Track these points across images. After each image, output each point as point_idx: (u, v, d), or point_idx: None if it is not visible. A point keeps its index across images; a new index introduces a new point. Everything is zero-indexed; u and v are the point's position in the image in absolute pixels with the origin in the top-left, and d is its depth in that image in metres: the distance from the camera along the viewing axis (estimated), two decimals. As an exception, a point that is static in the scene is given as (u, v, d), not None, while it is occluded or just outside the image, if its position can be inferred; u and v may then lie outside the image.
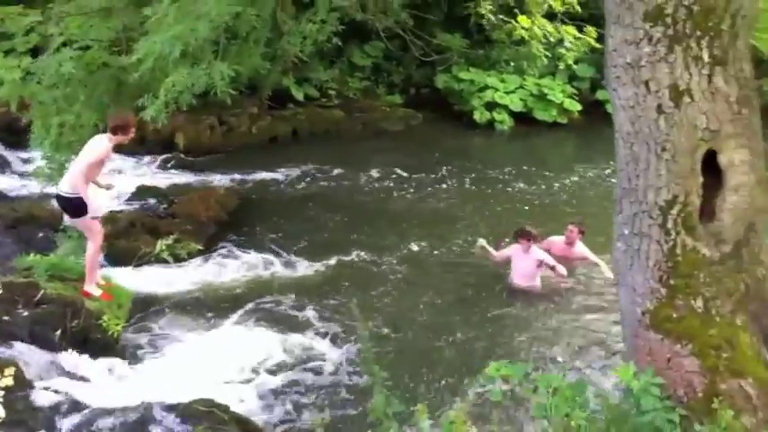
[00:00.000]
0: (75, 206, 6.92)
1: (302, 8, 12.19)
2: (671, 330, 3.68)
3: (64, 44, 8.03)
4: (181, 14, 7.23)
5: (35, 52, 13.16)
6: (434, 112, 17.24)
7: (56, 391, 5.91)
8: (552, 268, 8.33)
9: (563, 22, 14.18)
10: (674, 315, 3.69)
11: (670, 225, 3.67)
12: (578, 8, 14.28)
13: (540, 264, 8.36)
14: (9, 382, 3.10)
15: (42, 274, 7.16)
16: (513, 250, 8.60)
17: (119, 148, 7.49)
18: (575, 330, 7.66)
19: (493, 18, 14.93)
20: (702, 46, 3.51)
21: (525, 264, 8.42)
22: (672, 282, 3.69)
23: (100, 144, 6.91)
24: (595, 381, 6.18)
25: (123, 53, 8.48)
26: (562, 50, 14.58)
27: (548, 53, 14.52)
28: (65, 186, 6.97)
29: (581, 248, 9.01)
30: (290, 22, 10.40)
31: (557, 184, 12.83)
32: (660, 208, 3.68)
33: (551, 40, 14.41)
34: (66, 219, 7.62)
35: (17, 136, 11.98)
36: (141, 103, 7.32)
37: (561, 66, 15.20)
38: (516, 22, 14.53)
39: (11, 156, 12.65)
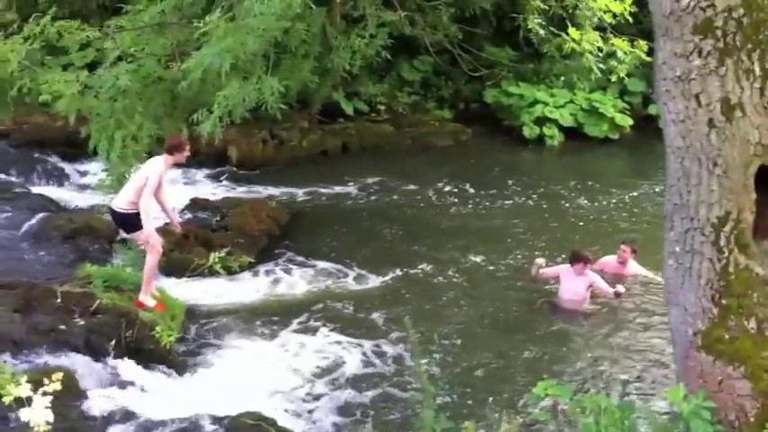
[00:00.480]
0: (128, 222, 7.11)
1: (352, 23, 12.35)
2: (723, 352, 3.60)
3: (120, 58, 8.26)
4: (231, 28, 7.37)
5: (92, 67, 13.64)
6: (484, 127, 17.18)
7: (109, 401, 6.05)
8: (602, 291, 8.29)
9: (614, 35, 14.00)
10: (727, 336, 3.60)
11: (723, 242, 3.60)
12: (629, 18, 14.09)
13: (590, 286, 8.27)
14: (57, 387, 3.19)
15: (99, 285, 7.36)
16: (563, 269, 8.50)
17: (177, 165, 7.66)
18: (624, 350, 7.52)
19: (542, 31, 14.81)
20: (754, 59, 3.45)
21: (576, 284, 8.32)
22: (724, 301, 3.61)
23: (154, 166, 7.10)
24: (644, 402, 6.05)
25: (178, 67, 8.70)
26: (614, 63, 14.38)
27: (600, 65, 14.35)
28: (119, 202, 7.18)
29: (634, 267, 8.91)
30: (339, 36, 10.53)
31: (609, 201, 12.64)
32: (712, 225, 3.61)
33: (601, 54, 14.22)
34: (122, 232, 7.81)
35: (75, 149, 12.39)
36: (196, 118, 7.48)
37: (613, 78, 14.99)
38: (567, 34, 14.39)
39: (69, 168, 13.04)
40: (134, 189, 7.06)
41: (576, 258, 8.29)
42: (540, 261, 8.79)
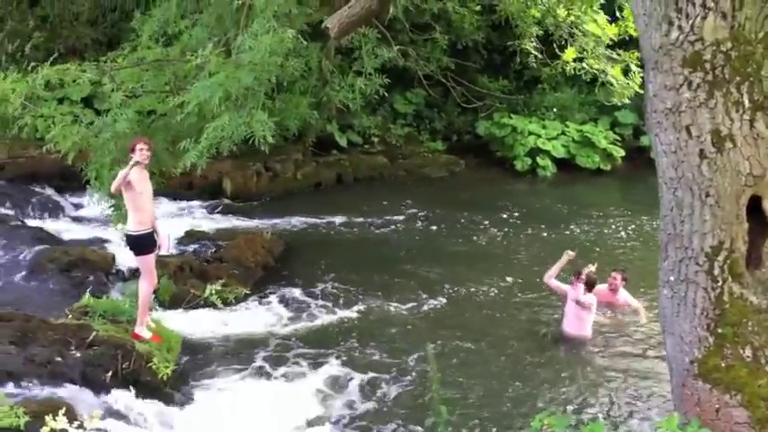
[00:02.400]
0: (135, 243, 7.19)
1: (346, 56, 12.50)
2: (719, 380, 3.63)
3: (121, 102, 8.31)
4: (223, 63, 7.45)
5: (87, 100, 13.73)
6: (477, 159, 17.33)
7: (105, 433, 6.02)
8: (581, 304, 8.20)
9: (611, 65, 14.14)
10: (723, 364, 3.64)
11: (717, 272, 3.65)
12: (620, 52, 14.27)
13: (580, 304, 8.20)
14: (63, 420, 3.22)
15: (95, 317, 7.36)
16: (568, 290, 8.45)
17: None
18: (622, 379, 7.53)
19: (538, 54, 14.83)
20: (743, 91, 3.53)
21: (571, 307, 8.31)
22: (720, 330, 3.65)
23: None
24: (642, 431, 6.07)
25: (175, 102, 8.77)
26: (610, 89, 14.48)
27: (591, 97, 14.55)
28: (128, 225, 7.26)
29: (625, 296, 8.96)
30: (334, 70, 10.66)
31: (601, 231, 12.73)
32: (706, 254, 3.66)
33: (599, 80, 14.32)
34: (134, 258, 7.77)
35: (70, 182, 12.42)
36: (182, 148, 7.51)
37: (610, 101, 15.02)
38: (563, 56, 14.43)
39: (64, 201, 13.06)
40: (133, 209, 7.12)
41: (577, 275, 8.27)
42: (571, 253, 8.62)
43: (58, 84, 8.67)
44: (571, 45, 13.94)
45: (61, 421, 3.26)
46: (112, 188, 7.08)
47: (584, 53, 13.91)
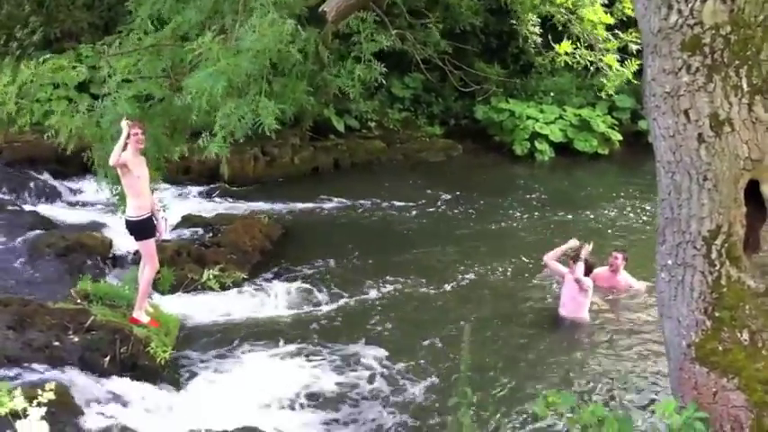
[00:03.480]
0: (136, 228, 7.17)
1: (343, 40, 12.44)
2: (717, 363, 3.63)
3: (117, 86, 8.27)
4: (223, 50, 7.41)
5: (82, 86, 13.66)
6: (474, 143, 17.31)
7: (104, 417, 6.04)
8: (580, 283, 8.21)
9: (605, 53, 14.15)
10: (720, 348, 3.64)
11: (714, 256, 3.65)
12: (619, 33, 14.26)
13: (581, 284, 8.20)
14: (51, 396, 3.22)
15: (92, 301, 7.36)
16: (566, 273, 8.47)
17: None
18: (622, 362, 7.57)
19: (538, 39, 14.83)
20: (741, 75, 3.51)
21: (569, 289, 8.31)
22: (717, 314, 3.65)
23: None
24: (642, 413, 6.10)
25: (173, 88, 8.71)
26: (602, 80, 14.54)
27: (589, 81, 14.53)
28: (128, 211, 7.23)
29: (625, 276, 8.97)
30: (331, 54, 10.58)
31: (599, 215, 12.75)
32: (704, 238, 3.66)
33: (591, 69, 14.35)
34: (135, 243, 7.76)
35: (66, 167, 12.41)
36: (201, 142, 7.51)
37: (603, 95, 15.15)
38: (557, 48, 14.49)
39: (60, 186, 13.04)
40: (132, 194, 7.09)
41: (572, 257, 8.28)
42: (578, 243, 8.58)
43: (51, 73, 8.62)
44: (567, 32, 13.91)
45: (18, 401, 3.27)
46: (111, 161, 6.99)
47: (579, 42, 13.88)
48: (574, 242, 8.50)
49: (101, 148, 8.23)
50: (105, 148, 8.10)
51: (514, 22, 14.89)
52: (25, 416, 3.16)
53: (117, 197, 8.81)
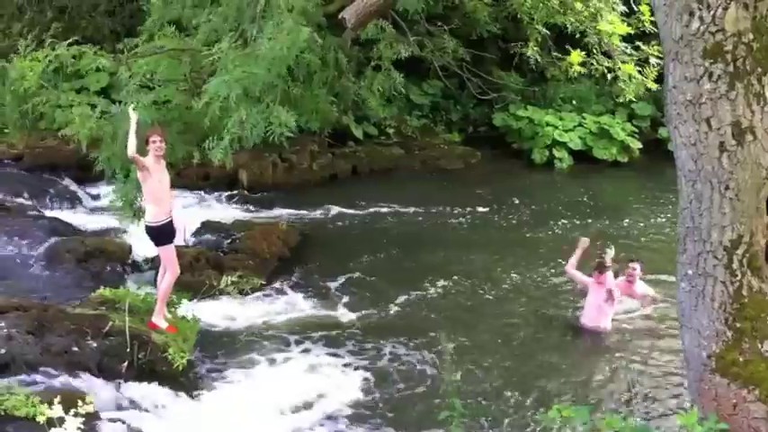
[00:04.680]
0: (154, 234, 7.18)
1: (362, 47, 12.46)
2: (737, 375, 3.59)
3: (136, 90, 8.32)
4: (241, 57, 7.43)
5: (104, 91, 13.81)
6: (493, 150, 17.25)
7: (121, 423, 6.06)
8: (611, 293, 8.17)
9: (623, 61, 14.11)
10: (741, 359, 3.60)
11: (735, 265, 3.61)
12: (640, 45, 14.20)
13: (610, 294, 8.17)
14: (90, 409, 3.25)
15: (111, 307, 7.40)
16: (590, 282, 8.44)
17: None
18: (639, 372, 7.50)
19: (539, 58, 14.88)
20: (764, 83, 3.48)
21: (595, 298, 8.27)
22: (738, 324, 3.61)
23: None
24: (660, 425, 6.03)
25: (192, 93, 8.77)
26: (621, 86, 14.49)
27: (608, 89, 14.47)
28: (147, 216, 7.25)
29: (642, 287, 8.90)
30: (350, 62, 10.60)
31: (618, 224, 12.65)
32: (725, 248, 3.62)
33: (608, 77, 14.30)
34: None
35: (87, 172, 12.46)
36: (207, 146, 7.54)
37: (620, 99, 15.08)
38: (568, 58, 14.48)
39: (81, 191, 13.16)
40: (152, 200, 7.12)
41: (597, 266, 8.25)
42: (586, 239, 8.55)
43: (73, 72, 8.69)
44: (582, 42, 13.87)
45: (57, 410, 3.29)
46: (129, 152, 6.85)
47: (594, 51, 13.82)
48: (585, 241, 8.46)
49: (112, 146, 8.26)
50: (112, 148, 8.14)
51: (526, 33, 14.85)
52: (60, 424, 3.18)
53: (122, 202, 8.81)
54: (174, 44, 8.65)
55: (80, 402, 3.21)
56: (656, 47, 12.75)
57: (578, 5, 13.71)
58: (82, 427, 3.13)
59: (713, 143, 3.57)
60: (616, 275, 8.30)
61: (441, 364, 6.91)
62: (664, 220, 12.72)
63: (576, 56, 14.05)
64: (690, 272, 3.77)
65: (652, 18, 13.62)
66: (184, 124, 8.53)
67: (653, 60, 13.23)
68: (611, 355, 7.92)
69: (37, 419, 3.34)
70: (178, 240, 7.51)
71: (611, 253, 8.33)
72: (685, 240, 3.80)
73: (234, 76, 7.17)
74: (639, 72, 13.61)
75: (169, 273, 7.28)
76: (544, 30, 14.46)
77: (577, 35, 13.95)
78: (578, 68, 14.16)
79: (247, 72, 7.18)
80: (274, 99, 7.31)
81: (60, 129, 9.09)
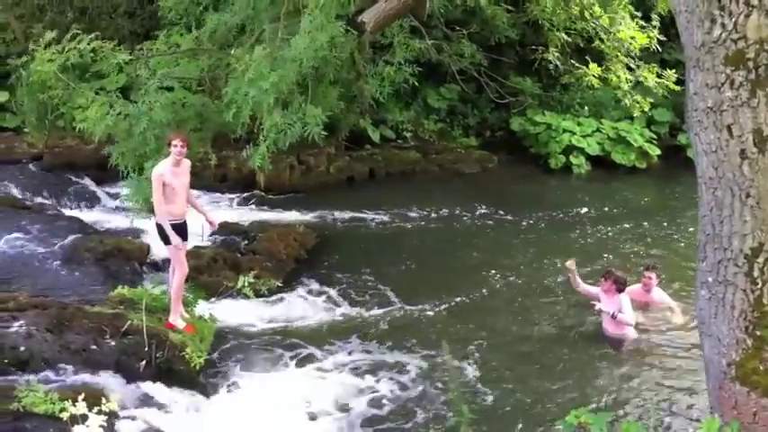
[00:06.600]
0: (159, 233, 7.22)
1: (379, 50, 12.49)
2: (757, 383, 3.57)
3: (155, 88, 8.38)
4: (272, 61, 7.43)
5: (123, 91, 13.89)
6: (510, 155, 17.21)
7: (138, 421, 6.10)
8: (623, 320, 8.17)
9: (643, 64, 14.11)
10: (761, 368, 3.58)
11: (756, 273, 3.59)
12: (657, 47, 14.18)
13: (615, 318, 8.15)
14: (113, 407, 3.29)
15: (129, 306, 7.46)
16: (599, 291, 8.42)
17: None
18: (658, 379, 7.45)
19: (559, 64, 14.94)
20: (786, 91, 3.46)
21: (608, 307, 8.23)
22: (758, 332, 3.59)
23: (155, 171, 7.13)
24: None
25: (208, 92, 8.83)
26: (639, 96, 14.51)
27: (631, 95, 14.45)
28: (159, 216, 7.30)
29: (659, 294, 8.84)
30: (367, 64, 10.64)
31: (636, 230, 12.57)
32: (746, 255, 3.60)
33: (629, 84, 14.31)
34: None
35: (106, 172, 12.54)
36: (245, 154, 7.57)
37: (635, 113, 15.16)
38: (587, 68, 14.57)
39: (100, 191, 13.26)
40: (165, 201, 7.16)
41: (604, 276, 8.24)
42: (571, 263, 8.60)
43: (93, 74, 8.76)
44: (599, 50, 13.93)
45: (81, 407, 3.32)
46: (157, 198, 7.03)
47: (611, 61, 13.86)
48: (570, 263, 8.54)
49: (126, 143, 8.30)
50: (131, 144, 8.17)
51: (546, 39, 14.93)
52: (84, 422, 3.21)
53: (135, 197, 8.84)
54: (189, 44, 8.71)
55: (103, 400, 3.23)
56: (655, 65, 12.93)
57: (597, 10, 13.75)
58: (104, 424, 3.16)
59: (734, 150, 3.56)
60: (622, 288, 8.21)
61: (451, 372, 6.91)
62: (682, 226, 12.63)
63: (595, 68, 14.12)
64: (710, 279, 3.76)
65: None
66: (201, 123, 8.58)
67: (666, 72, 13.35)
68: (628, 361, 7.85)
69: (60, 416, 3.37)
70: (195, 240, 7.54)
71: (572, 262, 8.49)
72: (705, 248, 3.78)
73: (270, 81, 7.14)
74: (659, 75, 13.62)
75: (178, 272, 7.33)
76: (564, 35, 14.51)
77: (596, 42, 13.98)
78: (596, 81, 14.27)
79: (280, 74, 7.18)
80: (306, 99, 7.34)
81: (80, 129, 9.18)
